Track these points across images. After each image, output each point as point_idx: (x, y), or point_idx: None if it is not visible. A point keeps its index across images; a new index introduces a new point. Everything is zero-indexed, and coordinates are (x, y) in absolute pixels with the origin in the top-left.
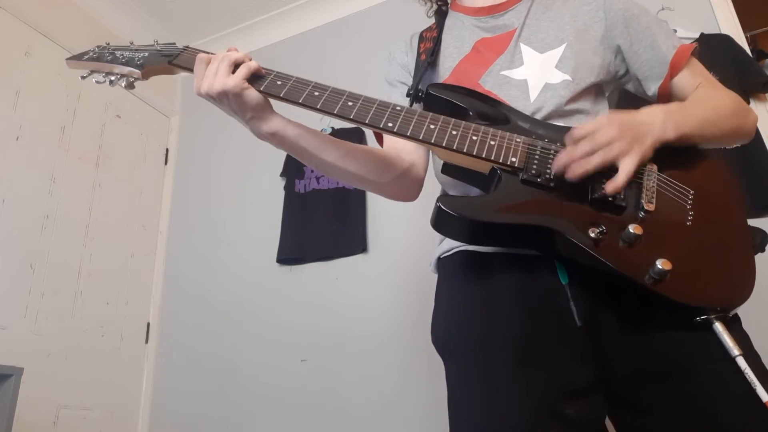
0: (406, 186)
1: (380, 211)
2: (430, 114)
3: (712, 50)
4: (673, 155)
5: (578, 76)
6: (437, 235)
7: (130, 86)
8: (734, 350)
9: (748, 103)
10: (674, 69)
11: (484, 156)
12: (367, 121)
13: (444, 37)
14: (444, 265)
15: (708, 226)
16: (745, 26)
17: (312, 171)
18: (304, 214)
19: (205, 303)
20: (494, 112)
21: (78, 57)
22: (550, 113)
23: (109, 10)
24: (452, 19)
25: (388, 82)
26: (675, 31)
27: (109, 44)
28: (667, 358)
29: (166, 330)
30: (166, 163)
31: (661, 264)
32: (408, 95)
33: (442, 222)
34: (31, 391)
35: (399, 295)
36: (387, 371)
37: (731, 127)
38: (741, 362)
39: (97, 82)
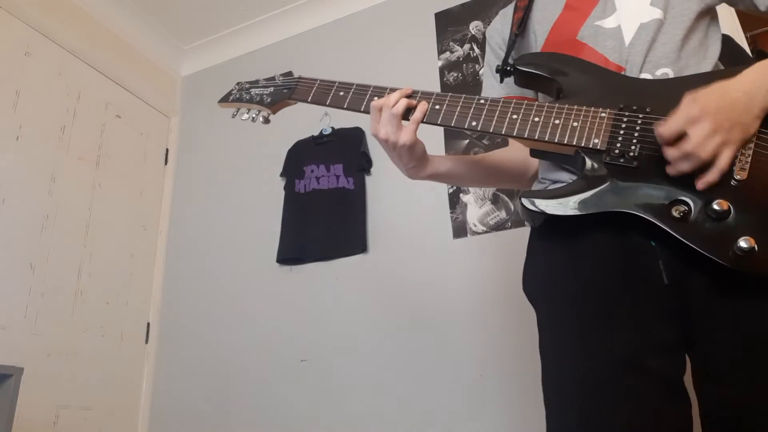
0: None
1: (380, 211)
2: (513, 101)
3: None
4: None
5: (676, 10)
6: (437, 235)
7: (266, 121)
8: None
9: None
10: None
11: (566, 142)
12: (453, 124)
13: (535, 4)
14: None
15: None
16: (745, 26)
17: (312, 171)
18: (304, 214)
19: (205, 303)
20: (581, 78)
21: (225, 99)
22: (650, 58)
23: (109, 10)
24: None
25: (489, 69)
26: None
27: (243, 83)
28: (751, 327)
29: (166, 330)
30: (166, 163)
31: (744, 242)
32: (497, 71)
33: (528, 216)
34: (31, 391)
35: (399, 295)
36: (387, 371)
37: None
38: None
39: (242, 119)
